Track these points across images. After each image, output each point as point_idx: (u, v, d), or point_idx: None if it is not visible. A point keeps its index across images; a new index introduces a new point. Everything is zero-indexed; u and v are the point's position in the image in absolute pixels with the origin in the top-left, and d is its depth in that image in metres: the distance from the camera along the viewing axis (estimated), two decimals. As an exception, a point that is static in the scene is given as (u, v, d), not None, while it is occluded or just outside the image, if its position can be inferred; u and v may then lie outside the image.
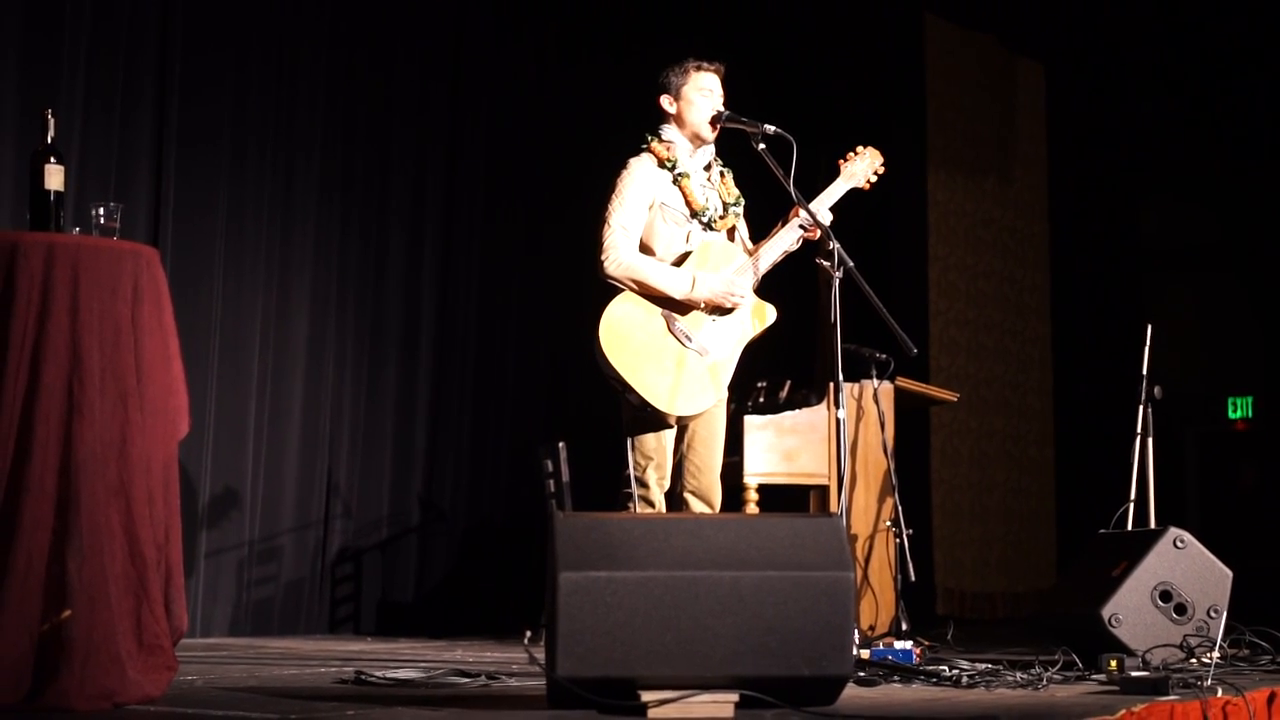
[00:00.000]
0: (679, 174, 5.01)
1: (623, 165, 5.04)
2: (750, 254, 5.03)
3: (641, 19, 8.88)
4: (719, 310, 4.90)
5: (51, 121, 3.76)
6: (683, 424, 4.96)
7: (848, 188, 5.15)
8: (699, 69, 5.03)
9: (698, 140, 5.05)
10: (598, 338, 4.78)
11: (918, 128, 10.38)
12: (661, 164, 5.01)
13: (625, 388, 4.77)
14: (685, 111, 5.04)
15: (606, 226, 4.91)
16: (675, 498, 5.00)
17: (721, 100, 5.05)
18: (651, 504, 4.88)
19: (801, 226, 4.95)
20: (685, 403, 4.81)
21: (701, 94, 5.02)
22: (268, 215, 7.14)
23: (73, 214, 4.16)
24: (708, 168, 5.12)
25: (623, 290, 4.87)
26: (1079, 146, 11.78)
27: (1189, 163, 12.17)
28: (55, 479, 3.42)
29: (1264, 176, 11.84)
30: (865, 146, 5.26)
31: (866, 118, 10.37)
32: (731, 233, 5.13)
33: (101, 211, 3.74)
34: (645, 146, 5.06)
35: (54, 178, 3.73)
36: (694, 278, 4.85)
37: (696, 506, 4.97)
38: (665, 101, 5.07)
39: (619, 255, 4.85)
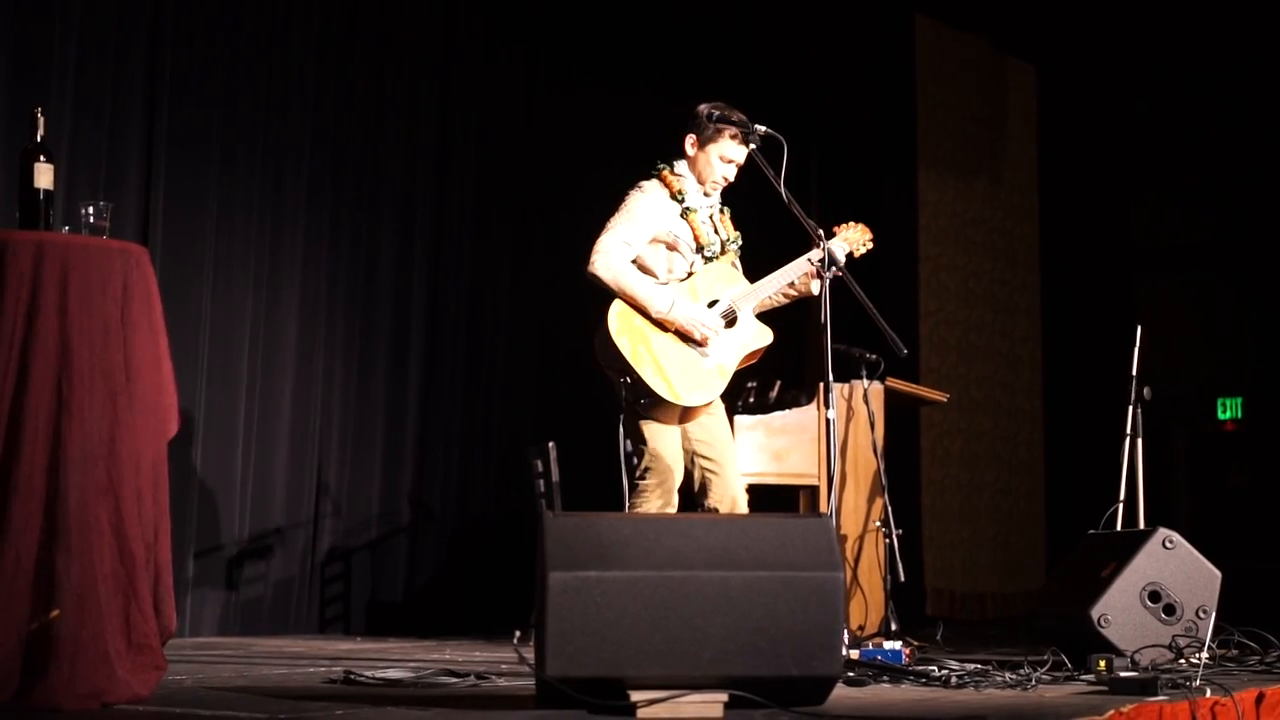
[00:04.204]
0: (687, 208, 5.06)
1: (633, 184, 5.07)
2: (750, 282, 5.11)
3: (632, 15, 8.89)
4: (689, 339, 4.91)
5: (41, 120, 3.75)
6: (693, 448, 5.00)
7: (845, 250, 5.17)
8: (734, 137, 5.01)
9: (703, 186, 5.09)
10: (607, 322, 4.82)
11: (908, 128, 10.41)
12: (673, 196, 5.05)
13: (627, 371, 4.79)
14: (701, 165, 5.08)
15: (608, 233, 4.93)
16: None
17: (736, 169, 5.07)
18: (651, 499, 4.90)
19: (815, 262, 4.97)
20: (683, 393, 4.83)
21: (723, 161, 5.05)
22: (257, 215, 7.12)
23: (62, 213, 4.15)
24: (711, 205, 5.17)
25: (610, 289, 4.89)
26: (1069, 148, 11.82)
27: (1179, 164, 12.21)
28: (44, 478, 3.42)
29: (1254, 178, 11.89)
30: (856, 223, 5.35)
31: (857, 118, 10.41)
32: None
33: (91, 210, 3.73)
34: (657, 173, 5.08)
35: (43, 176, 3.72)
36: (674, 300, 4.88)
37: None
38: (688, 141, 5.09)
39: (611, 261, 4.86)
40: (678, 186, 5.05)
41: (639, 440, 4.92)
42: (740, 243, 5.18)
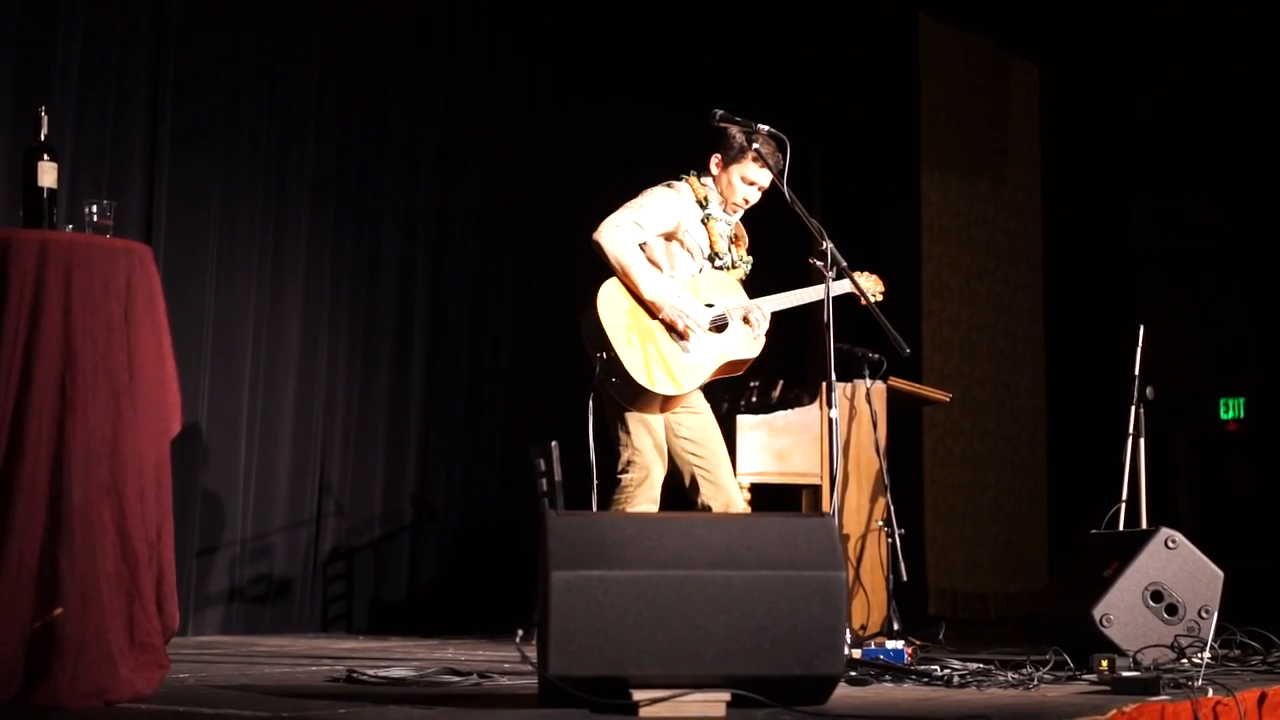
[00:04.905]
0: (709, 215, 5.10)
1: (667, 168, 5.12)
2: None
3: (636, 15, 8.89)
4: (673, 332, 4.93)
5: (45, 118, 3.75)
6: (682, 446, 5.02)
7: (848, 290, 5.18)
8: (757, 159, 5.03)
9: (725, 204, 5.14)
10: (595, 300, 4.87)
11: (911, 128, 10.41)
12: (698, 201, 5.10)
13: (604, 348, 4.83)
14: (724, 185, 5.13)
15: (624, 210, 4.99)
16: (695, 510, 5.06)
17: (759, 192, 5.11)
18: (635, 486, 4.92)
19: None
20: (653, 379, 4.85)
21: (744, 183, 5.09)
22: (261, 213, 7.12)
23: (66, 211, 4.16)
24: (731, 224, 5.22)
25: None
26: (1072, 147, 11.80)
27: (1182, 164, 12.19)
28: (47, 477, 3.42)
29: (1257, 178, 11.87)
30: (870, 273, 5.42)
31: (860, 117, 10.41)
32: None
33: (95, 209, 3.73)
34: (684, 177, 5.13)
35: (47, 175, 3.72)
36: (668, 288, 4.92)
37: None
38: (713, 161, 5.14)
39: (618, 236, 4.90)
40: (703, 194, 5.10)
41: (620, 429, 4.95)
42: (750, 266, 5.21)
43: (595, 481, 4.88)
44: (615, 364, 4.84)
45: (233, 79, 7.01)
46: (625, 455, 4.97)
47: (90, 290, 3.52)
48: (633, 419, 4.95)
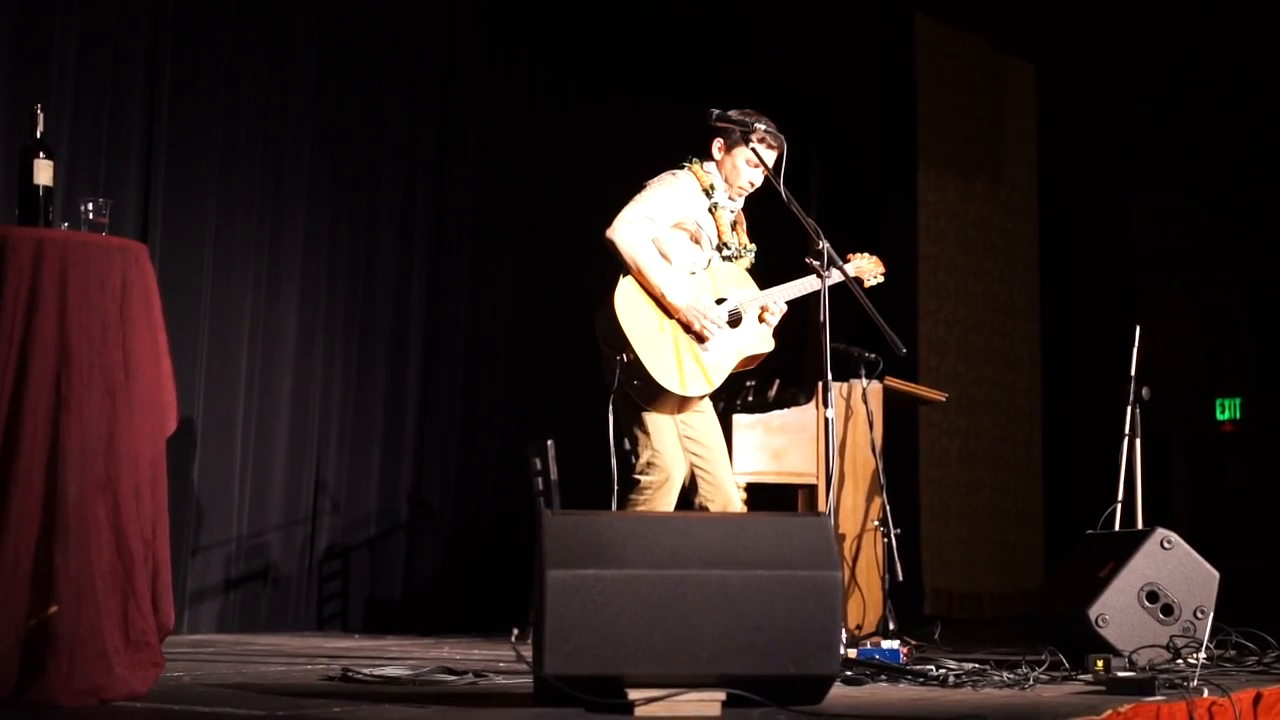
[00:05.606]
0: (715, 204, 5.08)
1: (665, 169, 5.09)
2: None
3: (634, 15, 8.89)
4: (691, 332, 4.91)
5: (40, 116, 3.75)
6: (685, 445, 4.99)
7: (853, 277, 5.16)
8: (760, 140, 5.00)
9: (729, 189, 5.12)
10: (612, 300, 4.82)
11: (908, 127, 10.41)
12: (704, 190, 5.07)
13: (626, 349, 4.79)
14: (727, 170, 5.10)
15: (635, 204, 4.93)
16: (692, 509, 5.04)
17: (763, 174, 5.06)
18: (656, 489, 4.89)
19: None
20: (678, 381, 4.83)
21: (750, 166, 5.06)
22: (257, 211, 7.12)
23: (62, 209, 4.15)
24: (734, 210, 5.21)
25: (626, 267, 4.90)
26: (1070, 147, 11.82)
27: (1179, 164, 12.21)
28: (43, 474, 3.42)
29: (1254, 178, 11.89)
30: (870, 254, 5.39)
31: (857, 117, 10.41)
32: None
33: (90, 207, 3.73)
34: (687, 165, 5.10)
35: (43, 172, 3.72)
36: (684, 289, 4.89)
37: None
38: (715, 146, 5.10)
39: (632, 234, 4.86)
40: (708, 182, 5.07)
41: (638, 430, 4.92)
42: (754, 254, 5.20)
43: (616, 486, 4.85)
44: (637, 366, 4.79)
45: (230, 77, 7.00)
46: (645, 456, 4.93)
47: (86, 288, 3.51)
48: (651, 420, 4.92)
